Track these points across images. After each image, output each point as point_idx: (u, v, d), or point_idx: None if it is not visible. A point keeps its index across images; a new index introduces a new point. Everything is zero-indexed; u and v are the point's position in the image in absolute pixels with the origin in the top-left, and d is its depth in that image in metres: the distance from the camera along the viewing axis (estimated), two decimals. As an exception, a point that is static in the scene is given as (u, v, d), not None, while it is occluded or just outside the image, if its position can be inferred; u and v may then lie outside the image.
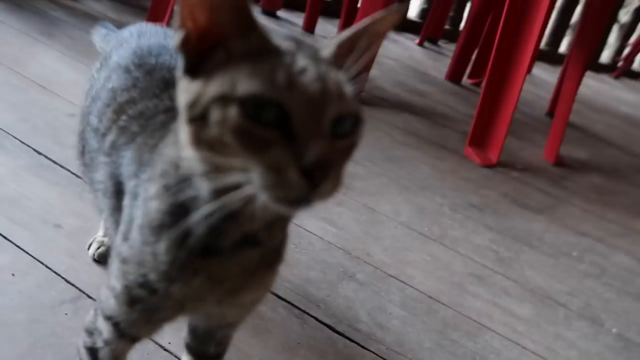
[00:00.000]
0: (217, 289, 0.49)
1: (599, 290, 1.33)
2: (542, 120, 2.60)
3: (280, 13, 2.99)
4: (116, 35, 0.79)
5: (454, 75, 2.78)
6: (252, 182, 0.39)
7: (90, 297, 0.84)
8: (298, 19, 2.91)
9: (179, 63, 0.45)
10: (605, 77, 4.14)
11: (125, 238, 0.50)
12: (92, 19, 2.07)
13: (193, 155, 0.43)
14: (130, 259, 0.49)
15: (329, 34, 2.89)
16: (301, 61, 0.42)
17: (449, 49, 3.57)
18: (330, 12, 3.19)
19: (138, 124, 0.57)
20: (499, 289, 1.22)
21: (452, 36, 3.71)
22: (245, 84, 0.40)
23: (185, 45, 0.44)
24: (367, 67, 0.48)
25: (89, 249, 0.93)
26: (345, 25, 2.43)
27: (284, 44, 0.44)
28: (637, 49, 4.21)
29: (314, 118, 0.40)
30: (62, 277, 0.87)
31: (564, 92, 2.07)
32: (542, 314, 1.18)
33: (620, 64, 4.27)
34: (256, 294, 0.54)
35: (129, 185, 0.52)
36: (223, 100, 0.41)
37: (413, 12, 3.61)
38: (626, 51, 4.28)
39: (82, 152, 0.67)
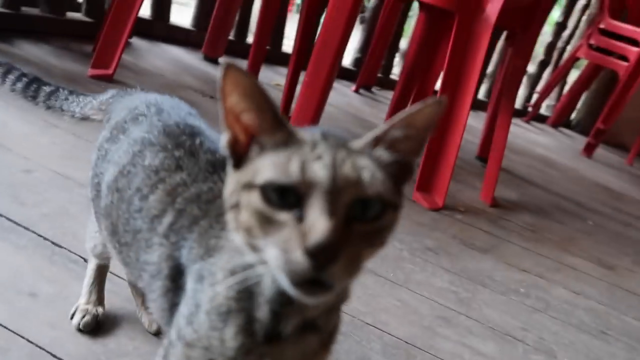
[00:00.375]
0: None
1: (547, 323, 1.46)
2: (474, 164, 2.81)
3: (223, 59, 3.03)
4: (121, 103, 0.79)
5: (392, 121, 2.94)
6: (269, 262, 0.43)
7: (80, 371, 0.80)
8: (241, 64, 2.97)
9: (228, 160, 0.50)
10: (519, 121, 4.56)
11: (190, 322, 0.51)
12: (32, 64, 1.99)
13: (238, 240, 0.47)
14: (196, 344, 0.50)
15: (271, 81, 2.97)
16: (319, 150, 0.47)
17: (383, 95, 3.79)
18: (274, 60, 3.28)
19: (198, 208, 0.58)
20: (464, 329, 1.30)
21: (384, 83, 3.94)
22: (264, 171, 0.46)
23: (232, 145, 0.50)
24: (414, 154, 0.52)
25: (72, 318, 0.89)
26: (293, 75, 2.51)
27: (308, 137, 0.49)
28: (544, 96, 4.70)
29: (325, 202, 0.43)
30: (48, 352, 0.82)
31: (496, 139, 2.28)
32: (504, 350, 1.27)
33: (530, 109, 4.73)
34: None
35: (193, 269, 0.53)
36: (248, 187, 0.46)
37: (347, 60, 3.80)
38: (535, 98, 4.76)
39: (115, 232, 0.65)
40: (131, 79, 2.24)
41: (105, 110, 0.82)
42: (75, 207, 1.23)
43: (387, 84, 3.99)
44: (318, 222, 0.42)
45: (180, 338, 0.51)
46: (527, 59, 2.37)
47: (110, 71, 2.14)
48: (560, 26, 4.53)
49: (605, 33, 4.03)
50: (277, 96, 2.61)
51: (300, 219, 0.43)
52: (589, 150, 4.03)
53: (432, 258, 1.60)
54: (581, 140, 4.43)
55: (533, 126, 4.67)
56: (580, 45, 4.26)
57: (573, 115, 5.13)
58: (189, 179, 0.62)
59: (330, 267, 0.41)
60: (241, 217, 0.46)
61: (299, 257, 0.41)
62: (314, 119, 2.05)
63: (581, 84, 4.65)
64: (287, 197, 0.44)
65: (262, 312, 0.48)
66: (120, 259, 0.67)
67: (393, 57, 4.02)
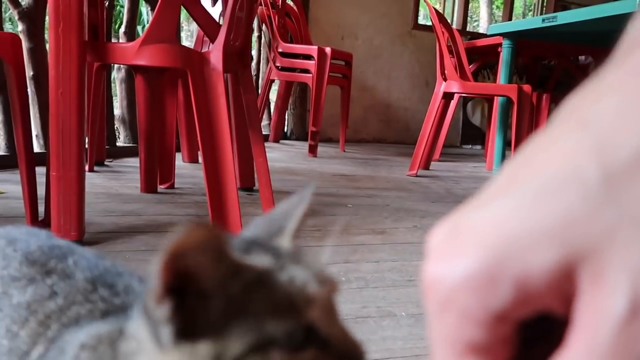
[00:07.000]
0: None
1: (379, 294, 1.74)
2: (242, 195, 3.00)
3: None
4: None
5: (148, 187, 2.89)
6: None
7: None
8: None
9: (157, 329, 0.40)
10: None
11: None
12: None
13: None
14: None
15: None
16: (294, 271, 0.43)
17: (119, 164, 3.64)
18: None
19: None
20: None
21: (114, 154, 3.79)
22: (273, 323, 0.39)
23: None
24: None
25: None
26: (29, 174, 2.21)
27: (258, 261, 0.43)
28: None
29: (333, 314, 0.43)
30: None
31: (259, 168, 2.51)
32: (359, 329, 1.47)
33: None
34: None
35: None
36: (258, 349, 0.38)
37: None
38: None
39: None
40: None
41: None
42: None
43: (118, 154, 3.85)
44: (341, 332, 0.42)
45: None
46: (254, 92, 2.67)
47: None
48: (248, 58, 5.15)
49: (285, 55, 4.78)
50: (6, 204, 2.27)
51: (324, 344, 0.41)
52: (313, 151, 4.73)
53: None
54: (301, 145, 5.15)
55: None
56: (270, 69, 4.93)
57: (286, 128, 5.90)
58: (65, 303, 0.57)
59: None
60: None
61: None
62: (79, 218, 1.90)
63: (282, 101, 5.38)
64: (304, 334, 0.40)
65: None
66: None
67: (113, 126, 3.90)
